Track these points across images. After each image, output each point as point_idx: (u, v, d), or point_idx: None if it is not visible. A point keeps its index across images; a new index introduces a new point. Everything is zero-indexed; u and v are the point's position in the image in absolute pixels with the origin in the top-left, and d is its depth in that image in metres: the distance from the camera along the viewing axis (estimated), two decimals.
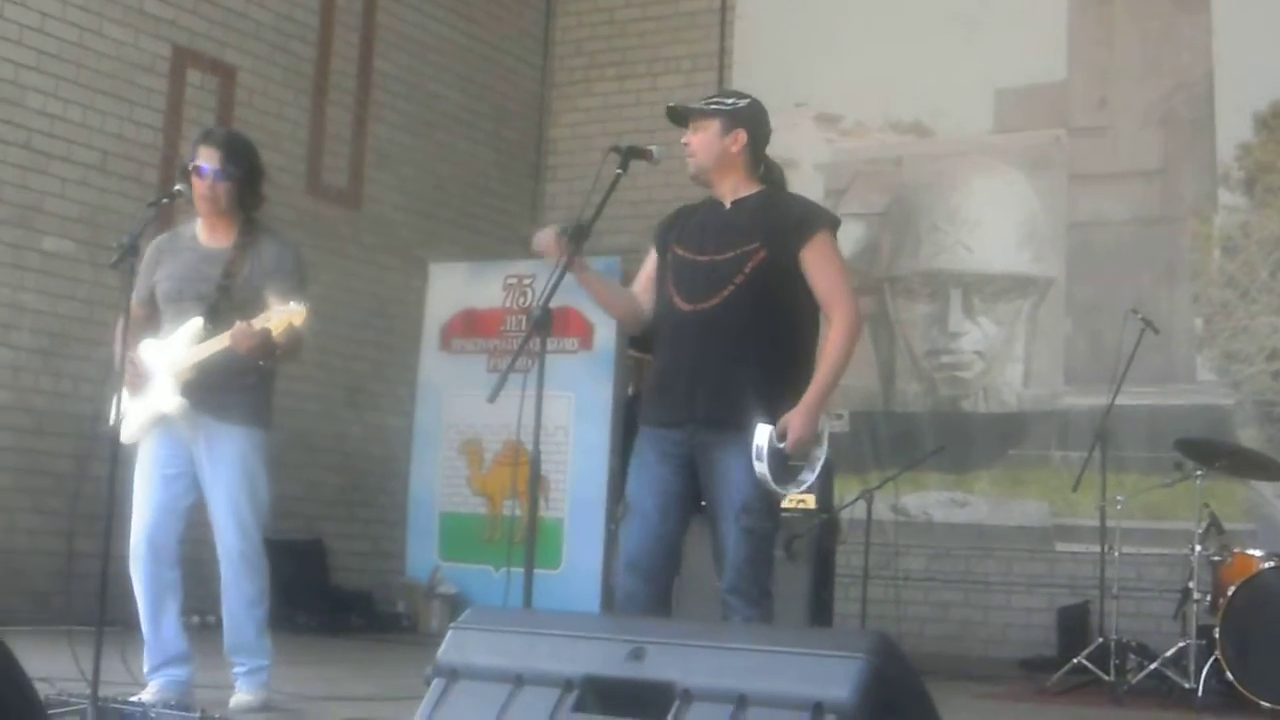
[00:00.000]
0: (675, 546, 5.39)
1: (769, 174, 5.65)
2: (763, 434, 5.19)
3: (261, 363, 6.06)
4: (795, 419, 5.23)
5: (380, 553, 12.69)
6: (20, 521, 10.11)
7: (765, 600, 5.31)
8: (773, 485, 5.21)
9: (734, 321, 5.34)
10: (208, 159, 6.12)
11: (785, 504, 9.32)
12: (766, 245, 5.37)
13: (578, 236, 5.21)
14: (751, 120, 5.56)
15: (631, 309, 5.66)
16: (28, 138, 10.26)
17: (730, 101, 5.59)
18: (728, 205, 5.52)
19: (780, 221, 5.45)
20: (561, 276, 5.10)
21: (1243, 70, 11.83)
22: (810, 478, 5.33)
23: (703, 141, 5.48)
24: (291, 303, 5.85)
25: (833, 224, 5.54)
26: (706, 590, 5.66)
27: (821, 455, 5.33)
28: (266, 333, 5.84)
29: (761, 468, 5.17)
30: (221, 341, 5.91)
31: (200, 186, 6.08)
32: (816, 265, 5.41)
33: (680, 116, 5.58)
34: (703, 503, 5.44)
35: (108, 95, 10.75)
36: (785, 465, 5.24)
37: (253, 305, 6.01)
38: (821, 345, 5.53)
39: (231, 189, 6.15)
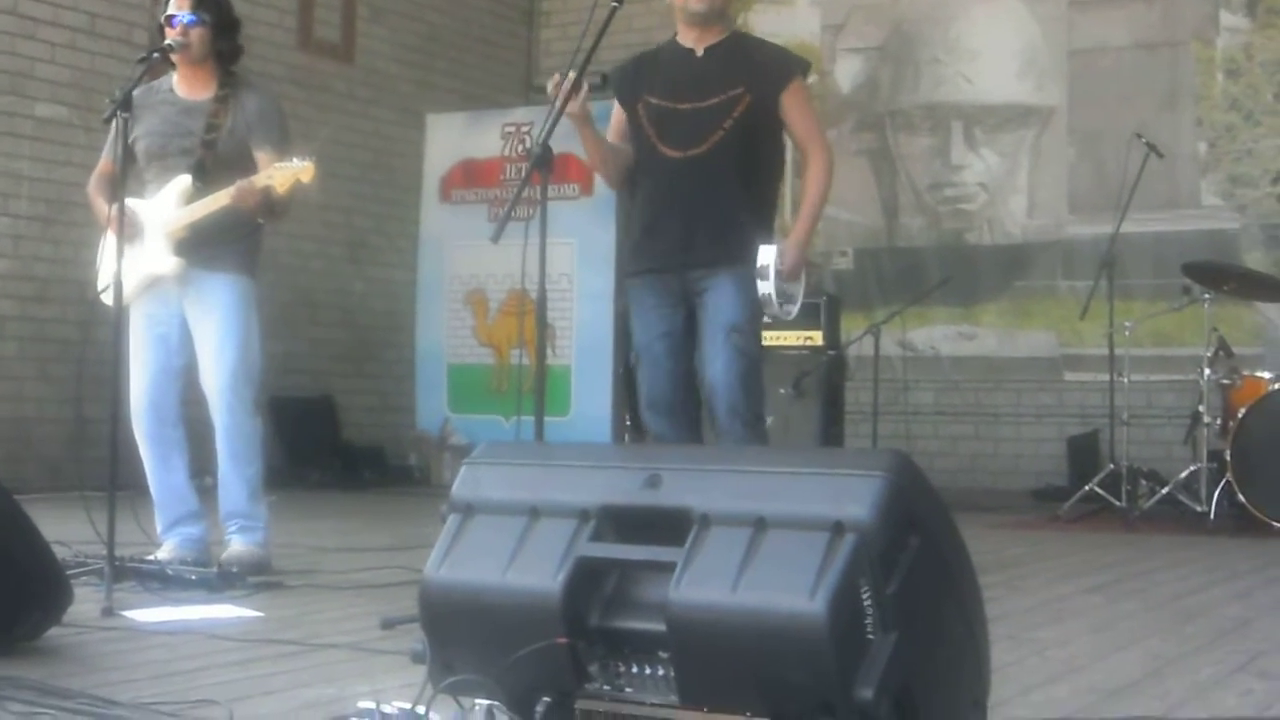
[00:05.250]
0: (691, 382, 5.58)
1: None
2: (768, 254, 5.42)
3: (261, 220, 6.01)
4: (791, 248, 5.51)
5: (389, 407, 12.73)
6: (27, 390, 10.13)
7: (760, 425, 5.54)
8: (775, 306, 5.44)
9: (727, 164, 5.49)
10: (178, 6, 6.03)
11: (793, 342, 9.49)
12: (750, 90, 5.51)
13: (599, 87, 5.25)
14: None
15: (622, 166, 5.73)
16: (14, 3, 10.14)
17: None
18: (699, 52, 5.61)
19: (759, 67, 5.60)
20: (560, 114, 5.06)
21: None
22: (794, 309, 5.60)
23: None
24: (295, 159, 5.79)
25: (805, 69, 5.77)
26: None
27: (800, 291, 5.62)
28: (270, 189, 5.78)
29: (767, 286, 5.40)
30: (219, 200, 5.83)
31: (172, 34, 5.99)
32: (796, 108, 5.60)
33: None
34: None
35: None
36: (781, 290, 5.46)
37: (239, 158, 5.95)
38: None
39: (205, 34, 6.03)
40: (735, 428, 5.37)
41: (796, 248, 5.52)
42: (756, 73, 5.55)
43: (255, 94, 6.18)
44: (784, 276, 5.44)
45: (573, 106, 5.20)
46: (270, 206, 5.88)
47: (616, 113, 5.75)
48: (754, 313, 5.49)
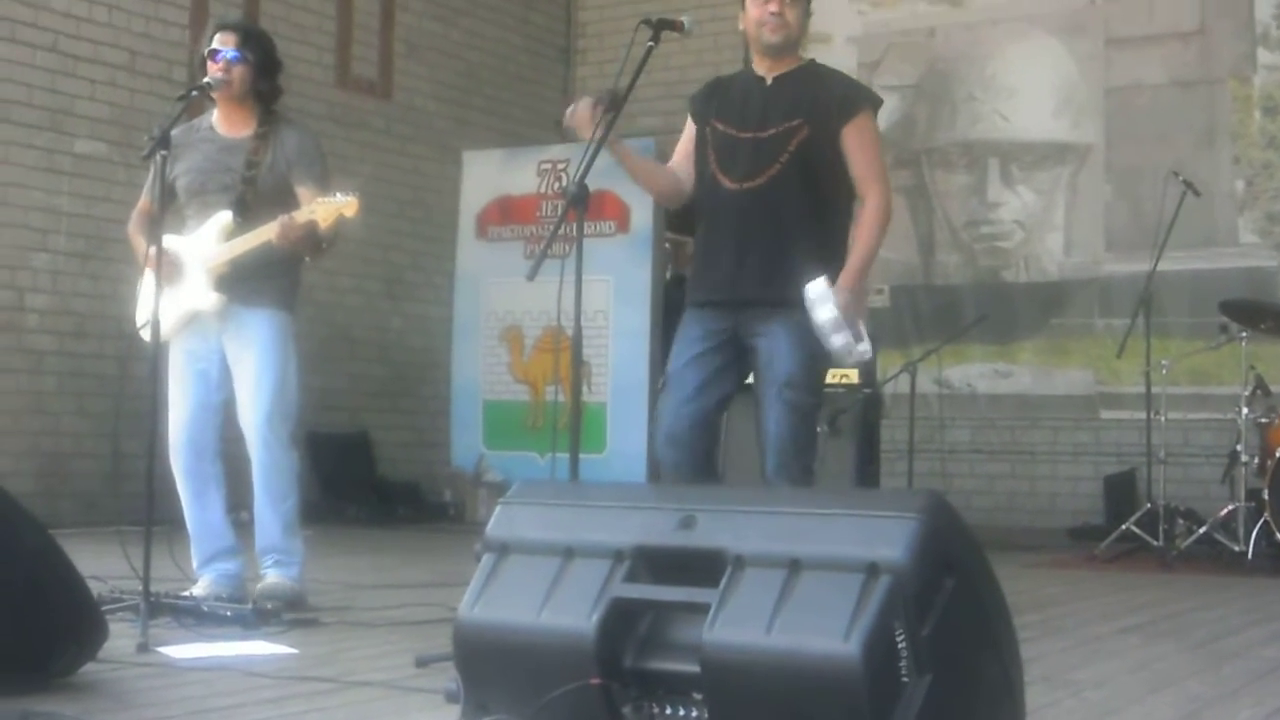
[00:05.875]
0: (710, 420, 5.43)
1: None
2: (826, 309, 5.19)
3: (307, 257, 6.02)
4: (841, 293, 5.26)
5: (425, 443, 12.74)
6: (65, 425, 10.17)
7: (807, 478, 5.36)
8: (856, 354, 5.30)
9: (781, 200, 5.35)
10: (222, 43, 6.04)
11: (829, 380, 9.44)
12: (810, 122, 5.37)
13: (613, 105, 5.14)
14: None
15: (670, 184, 5.65)
16: (54, 40, 10.22)
17: None
18: (769, 81, 5.50)
19: (824, 98, 5.45)
20: (597, 151, 5.03)
21: None
22: (867, 348, 5.39)
23: (797, 15, 5.45)
24: (339, 194, 5.80)
25: (875, 104, 5.57)
26: (750, 464, 5.66)
27: (863, 324, 5.41)
28: (313, 224, 5.78)
29: (828, 311, 5.17)
30: (260, 236, 5.84)
31: (214, 70, 6.00)
32: (857, 145, 5.41)
33: None
34: (748, 381, 5.49)
35: None
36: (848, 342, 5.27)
37: (279, 195, 5.95)
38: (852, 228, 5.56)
39: (247, 73, 6.05)
40: (780, 483, 5.24)
41: (845, 291, 5.27)
42: (819, 104, 5.40)
43: (295, 131, 6.20)
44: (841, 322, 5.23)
45: (597, 133, 5.10)
46: (315, 242, 5.88)
47: (688, 130, 5.65)
48: (809, 362, 5.31)
